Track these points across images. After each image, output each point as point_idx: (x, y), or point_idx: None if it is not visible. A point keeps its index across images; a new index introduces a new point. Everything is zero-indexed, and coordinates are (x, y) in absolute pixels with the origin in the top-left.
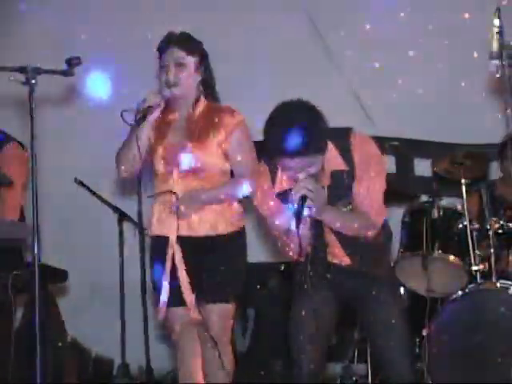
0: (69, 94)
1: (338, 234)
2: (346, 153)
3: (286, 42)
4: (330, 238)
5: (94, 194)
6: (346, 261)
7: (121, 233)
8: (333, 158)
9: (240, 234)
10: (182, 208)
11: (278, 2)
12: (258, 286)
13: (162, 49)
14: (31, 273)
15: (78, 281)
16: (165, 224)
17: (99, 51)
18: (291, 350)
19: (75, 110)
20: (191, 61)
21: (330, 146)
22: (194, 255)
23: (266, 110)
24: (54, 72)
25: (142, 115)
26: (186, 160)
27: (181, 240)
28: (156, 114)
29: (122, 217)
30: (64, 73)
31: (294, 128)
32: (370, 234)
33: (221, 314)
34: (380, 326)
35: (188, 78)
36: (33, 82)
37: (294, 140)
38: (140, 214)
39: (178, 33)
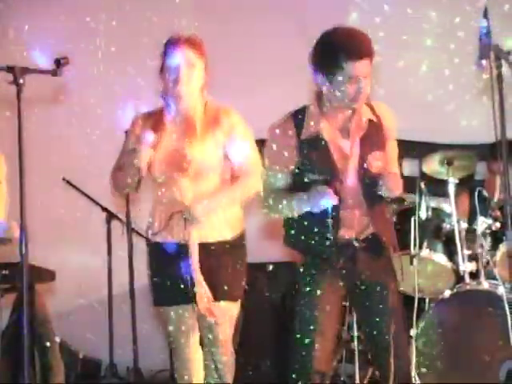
0: (57, 94)
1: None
2: (376, 116)
3: (283, 43)
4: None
5: (81, 193)
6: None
7: (109, 232)
8: (365, 108)
9: (243, 237)
10: (197, 215)
11: (272, 3)
12: (246, 287)
13: (172, 49)
14: (19, 273)
15: (65, 281)
16: (174, 230)
17: (86, 51)
18: (298, 348)
19: (63, 110)
20: (200, 62)
21: None
22: (203, 260)
23: (264, 110)
24: (41, 72)
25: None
26: (190, 163)
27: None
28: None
29: (110, 216)
30: (52, 72)
31: (357, 31)
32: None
33: (227, 312)
34: (382, 316)
35: (196, 79)
36: (21, 81)
37: (361, 40)
38: (128, 214)
39: (187, 35)
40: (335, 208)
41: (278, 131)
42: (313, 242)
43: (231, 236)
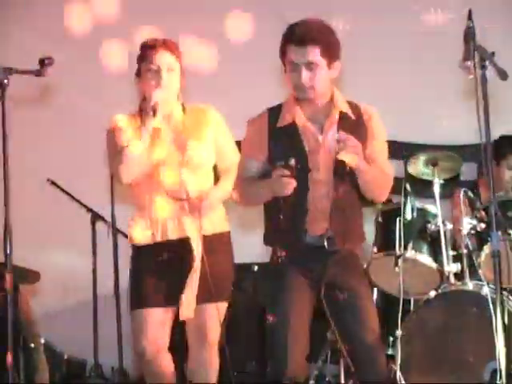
0: (42, 94)
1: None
2: (356, 114)
3: (261, 41)
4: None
5: (66, 194)
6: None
7: (93, 233)
8: (341, 101)
9: (229, 233)
10: (203, 208)
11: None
12: (231, 287)
13: (151, 52)
14: (3, 274)
15: (50, 282)
16: (172, 227)
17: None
18: (273, 350)
19: (49, 110)
20: (177, 65)
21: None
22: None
23: (241, 110)
24: (26, 72)
25: (153, 111)
26: (190, 159)
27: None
28: (161, 111)
29: (95, 217)
30: (36, 73)
31: (313, 20)
32: (384, 197)
33: (216, 311)
34: (355, 321)
35: (176, 82)
36: (5, 81)
37: (309, 28)
38: (113, 215)
39: (162, 38)
40: (303, 198)
41: (252, 123)
42: (286, 237)
43: (226, 230)
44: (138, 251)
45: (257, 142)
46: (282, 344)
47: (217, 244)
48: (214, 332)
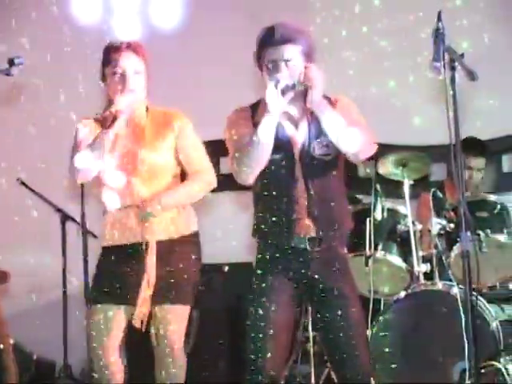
0: (12, 94)
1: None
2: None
3: (233, 43)
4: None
5: (36, 194)
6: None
7: (63, 234)
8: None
9: (196, 236)
10: (152, 212)
11: (227, 2)
12: (202, 288)
13: (116, 55)
14: None
15: (19, 282)
16: (127, 231)
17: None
18: (249, 352)
19: (18, 110)
20: (143, 68)
21: None
22: (158, 260)
23: (213, 111)
24: None
25: (112, 118)
26: (143, 166)
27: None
28: (124, 119)
29: (65, 218)
30: (5, 72)
31: (287, 23)
32: (367, 151)
33: (178, 315)
34: (342, 322)
35: (142, 85)
36: None
37: (285, 28)
38: (83, 216)
39: (128, 40)
40: (291, 194)
41: (236, 112)
42: (273, 236)
43: (184, 233)
44: (102, 251)
45: (244, 124)
46: (261, 344)
47: (177, 247)
48: (176, 335)
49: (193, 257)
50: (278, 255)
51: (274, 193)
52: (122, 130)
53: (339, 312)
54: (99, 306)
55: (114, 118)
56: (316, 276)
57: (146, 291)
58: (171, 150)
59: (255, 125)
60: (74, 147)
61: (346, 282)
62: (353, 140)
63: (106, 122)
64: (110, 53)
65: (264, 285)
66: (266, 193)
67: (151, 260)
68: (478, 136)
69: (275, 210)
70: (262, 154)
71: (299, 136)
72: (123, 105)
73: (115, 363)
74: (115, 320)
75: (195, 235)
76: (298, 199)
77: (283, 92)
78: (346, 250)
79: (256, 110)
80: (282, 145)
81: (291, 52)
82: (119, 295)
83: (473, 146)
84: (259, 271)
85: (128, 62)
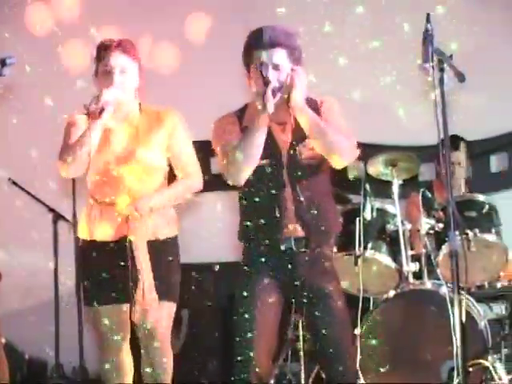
0: (2, 94)
1: (296, 199)
2: (314, 109)
3: (223, 43)
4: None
5: (28, 193)
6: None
7: (55, 233)
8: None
9: (177, 237)
10: (141, 211)
11: (215, 3)
12: (193, 287)
13: (104, 54)
14: None
15: (11, 281)
16: (114, 228)
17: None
18: (237, 350)
19: (9, 109)
20: (132, 66)
21: None
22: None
23: (202, 111)
24: None
25: (99, 110)
26: (138, 164)
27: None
28: (111, 110)
29: (57, 217)
30: None
31: (275, 26)
32: (348, 157)
33: (167, 312)
34: (327, 320)
35: (129, 83)
36: None
37: (274, 31)
38: (74, 215)
39: (119, 39)
40: (279, 198)
41: (221, 119)
42: (260, 238)
43: (169, 235)
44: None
45: (231, 130)
46: (248, 344)
47: (160, 248)
48: (163, 332)
49: (177, 258)
50: (264, 256)
51: (261, 198)
52: (118, 128)
53: (325, 311)
54: (103, 306)
55: (102, 111)
56: (302, 276)
57: (142, 288)
58: (164, 149)
59: (242, 130)
60: (65, 140)
61: (331, 282)
62: (332, 145)
63: (94, 116)
64: (101, 51)
65: (250, 285)
66: (253, 198)
67: (145, 257)
68: (466, 137)
69: (262, 215)
70: (253, 156)
71: (285, 140)
72: (109, 97)
73: (129, 363)
74: (126, 319)
75: (176, 237)
76: (286, 204)
77: (272, 94)
78: (334, 250)
79: (243, 115)
80: (269, 149)
81: (279, 55)
82: (117, 293)
83: (451, 141)
84: (246, 272)
85: (116, 61)
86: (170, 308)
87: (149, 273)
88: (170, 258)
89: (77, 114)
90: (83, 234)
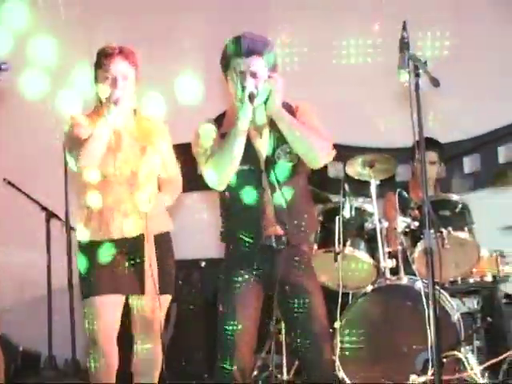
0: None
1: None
2: (289, 110)
3: (206, 44)
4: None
5: (22, 193)
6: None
7: (48, 230)
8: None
9: (170, 234)
10: (146, 208)
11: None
12: (180, 282)
13: (106, 60)
14: None
15: (6, 277)
16: (116, 226)
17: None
18: (222, 343)
19: (3, 110)
20: (132, 73)
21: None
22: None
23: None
24: None
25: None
26: (147, 167)
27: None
28: (119, 111)
29: (49, 215)
30: None
31: (253, 34)
32: (325, 157)
33: (166, 304)
34: (304, 315)
35: (130, 90)
36: None
37: (252, 40)
38: (67, 213)
39: (119, 45)
40: (259, 200)
41: (201, 127)
42: (240, 237)
43: (165, 230)
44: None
45: (210, 137)
46: (230, 337)
47: (159, 242)
48: (159, 323)
49: (171, 253)
50: (245, 254)
51: (241, 202)
52: (126, 130)
53: (303, 305)
54: (97, 297)
55: (116, 102)
56: (281, 272)
57: (151, 281)
58: (158, 153)
59: (222, 136)
60: (74, 136)
61: (309, 278)
62: (310, 146)
63: (98, 116)
64: (102, 58)
65: (231, 281)
66: (233, 201)
67: (153, 251)
68: (440, 139)
69: (243, 218)
70: (232, 161)
71: (263, 144)
72: (120, 94)
73: (115, 353)
74: (118, 310)
75: (169, 233)
76: (266, 207)
77: (249, 100)
78: (315, 247)
79: (221, 122)
80: (247, 154)
81: (257, 63)
82: (119, 285)
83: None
84: (226, 268)
85: (118, 68)
86: (167, 300)
87: (156, 265)
88: (169, 252)
89: (74, 115)
90: (88, 234)
